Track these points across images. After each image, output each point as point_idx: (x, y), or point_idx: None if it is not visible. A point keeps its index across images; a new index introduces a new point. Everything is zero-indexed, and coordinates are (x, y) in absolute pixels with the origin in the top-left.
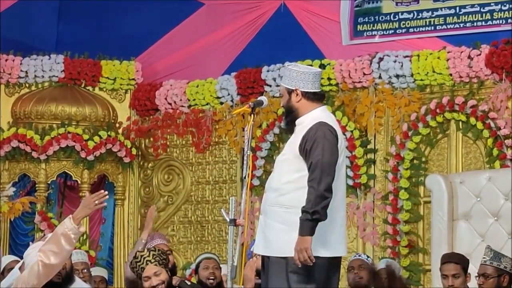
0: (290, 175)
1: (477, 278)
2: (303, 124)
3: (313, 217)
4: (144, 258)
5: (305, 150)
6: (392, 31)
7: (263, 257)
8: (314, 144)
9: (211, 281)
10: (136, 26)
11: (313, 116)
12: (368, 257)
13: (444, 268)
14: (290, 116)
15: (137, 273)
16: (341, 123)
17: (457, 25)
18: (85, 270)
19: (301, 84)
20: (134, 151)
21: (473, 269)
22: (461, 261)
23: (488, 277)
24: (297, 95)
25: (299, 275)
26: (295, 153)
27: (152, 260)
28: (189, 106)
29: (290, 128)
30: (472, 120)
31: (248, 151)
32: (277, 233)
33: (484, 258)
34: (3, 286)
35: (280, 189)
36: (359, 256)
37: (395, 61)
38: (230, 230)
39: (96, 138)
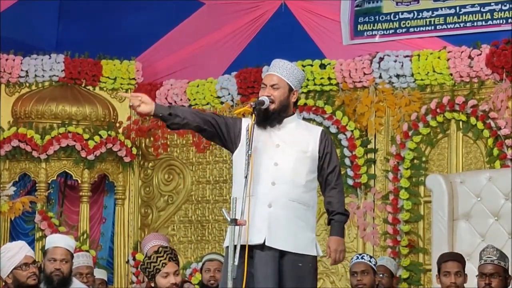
0: (309, 175)
1: (482, 277)
2: (296, 124)
3: (347, 218)
4: (167, 254)
5: (325, 152)
6: (393, 31)
7: (250, 247)
8: (333, 148)
9: (212, 282)
10: (137, 25)
11: (300, 120)
12: (371, 257)
13: (446, 265)
14: (284, 112)
15: (154, 268)
16: (341, 122)
17: (457, 25)
18: (89, 275)
19: (298, 88)
20: (134, 151)
21: (473, 269)
22: (462, 260)
23: (498, 276)
24: (293, 96)
25: (315, 274)
26: (313, 154)
27: (174, 259)
28: (190, 106)
29: (269, 121)
30: (473, 120)
31: (250, 151)
32: (299, 230)
33: (490, 257)
34: None
35: (305, 186)
36: (362, 258)
37: (395, 61)
38: (230, 230)
39: (97, 138)
